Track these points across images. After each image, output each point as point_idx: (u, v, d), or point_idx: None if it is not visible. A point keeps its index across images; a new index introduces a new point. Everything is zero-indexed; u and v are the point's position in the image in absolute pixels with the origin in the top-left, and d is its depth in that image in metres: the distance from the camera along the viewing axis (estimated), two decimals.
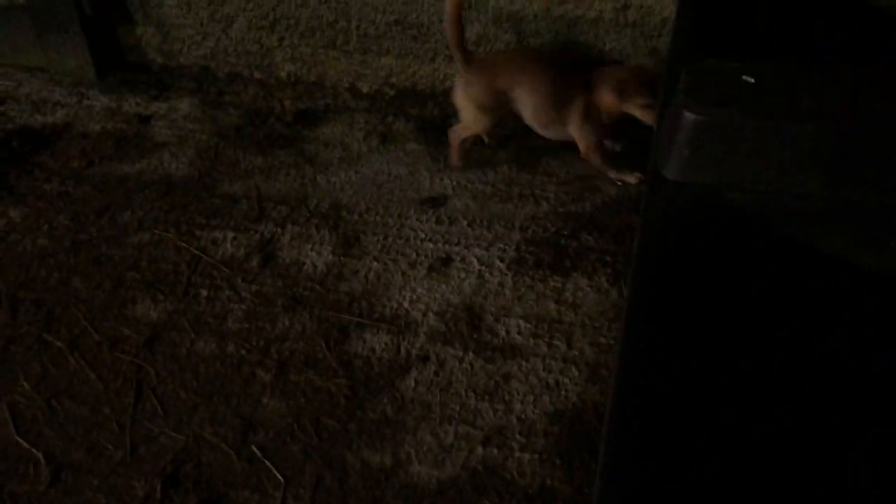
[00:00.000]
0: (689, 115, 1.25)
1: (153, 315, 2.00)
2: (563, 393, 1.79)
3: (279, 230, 2.23)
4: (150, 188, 2.39)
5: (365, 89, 2.64)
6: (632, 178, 2.28)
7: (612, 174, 2.29)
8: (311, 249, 2.17)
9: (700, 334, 1.20)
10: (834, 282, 1.26)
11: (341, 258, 2.14)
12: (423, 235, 2.18)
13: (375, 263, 2.12)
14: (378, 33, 2.48)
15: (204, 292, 2.06)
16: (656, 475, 1.08)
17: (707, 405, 1.14)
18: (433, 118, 2.58)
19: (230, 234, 2.22)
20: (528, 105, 2.21)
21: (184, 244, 2.19)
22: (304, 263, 2.13)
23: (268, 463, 1.68)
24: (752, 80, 1.28)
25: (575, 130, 2.22)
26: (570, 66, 2.21)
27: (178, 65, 2.77)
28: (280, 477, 1.65)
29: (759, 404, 1.14)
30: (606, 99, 2.09)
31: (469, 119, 2.29)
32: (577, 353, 1.86)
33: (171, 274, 2.11)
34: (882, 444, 1.10)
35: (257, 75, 2.71)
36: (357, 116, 2.62)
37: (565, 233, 2.17)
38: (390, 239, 2.18)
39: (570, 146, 2.33)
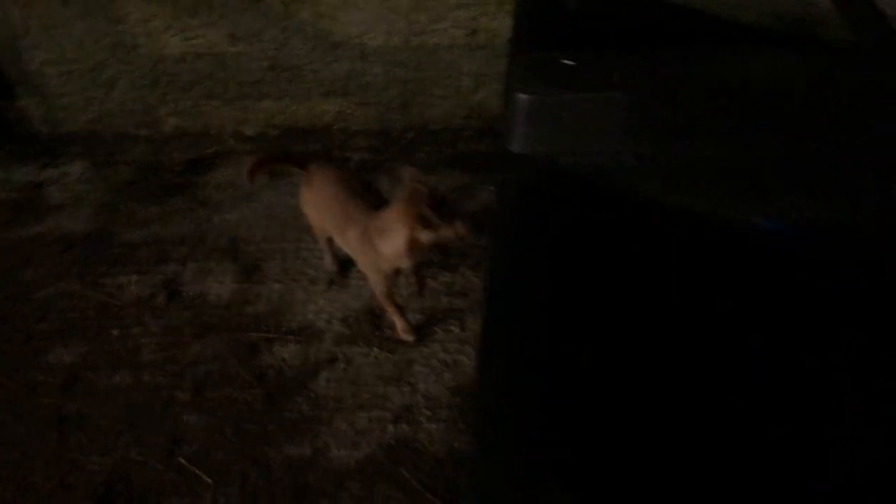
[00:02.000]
0: (521, 97, 1.48)
1: (67, 359, 2.09)
2: (461, 369, 1.97)
3: (181, 268, 2.35)
4: (50, 247, 2.48)
5: (249, 132, 2.81)
6: (407, 336, 2.04)
7: (399, 322, 2.04)
8: (214, 281, 2.30)
9: (554, 280, 1.42)
10: (662, 228, 1.51)
11: (244, 285, 2.28)
12: (320, 255, 2.35)
13: (277, 285, 2.27)
14: (255, 79, 2.67)
15: (115, 332, 2.15)
16: (521, 414, 1.25)
17: (560, 348, 1.35)
18: (317, 152, 2.77)
19: (134, 278, 2.33)
20: (329, 224, 2.00)
21: (89, 293, 2.29)
22: (208, 294, 2.26)
23: (196, 470, 1.79)
24: (572, 63, 1.54)
25: (366, 271, 1.94)
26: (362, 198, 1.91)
27: (64, 132, 2.87)
28: (209, 480, 1.77)
29: (607, 345, 1.36)
30: (408, 243, 1.74)
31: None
32: (470, 333, 2.06)
33: (80, 321, 2.20)
34: (721, 380, 1.34)
35: (144, 132, 2.85)
36: (244, 158, 2.78)
37: None
38: (289, 262, 2.34)
39: (448, 163, 2.57)
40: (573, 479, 1.12)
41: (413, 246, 1.74)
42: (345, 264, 2.27)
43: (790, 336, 1.44)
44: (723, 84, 1.44)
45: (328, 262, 2.27)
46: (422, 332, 2.08)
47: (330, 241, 2.17)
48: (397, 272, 1.89)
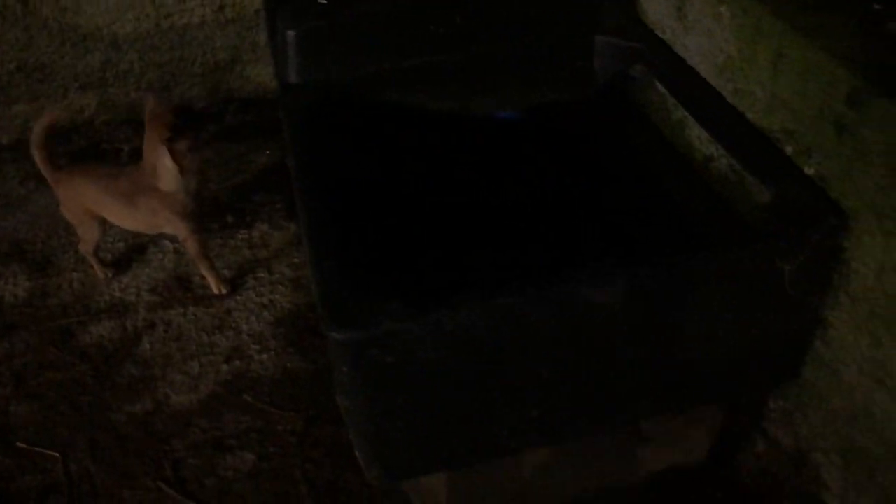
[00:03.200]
0: (290, 33, 1.69)
1: None
2: (278, 306, 2.14)
3: None
4: None
5: (5, 140, 2.74)
6: (223, 289, 2.16)
7: (213, 278, 2.15)
8: (6, 284, 2.26)
9: (352, 186, 1.65)
10: (422, 122, 1.80)
11: (39, 281, 2.27)
12: (112, 238, 2.39)
13: (75, 274, 2.28)
14: (2, 83, 2.62)
15: None
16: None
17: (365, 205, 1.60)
18: (83, 148, 2.77)
19: None
20: (111, 211, 2.10)
21: None
22: (3, 297, 2.22)
23: (38, 449, 1.81)
24: (325, 2, 1.77)
25: (170, 224, 2.04)
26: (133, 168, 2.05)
27: None
28: (55, 454, 1.80)
29: (397, 198, 1.63)
30: (167, 159, 1.90)
31: (80, 232, 2.19)
32: (278, 275, 2.23)
33: None
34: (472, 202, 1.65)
35: None
36: (6, 168, 2.71)
37: (237, 198, 2.52)
38: (82, 251, 2.36)
39: (220, 136, 2.69)
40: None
41: (180, 160, 1.93)
42: (141, 247, 2.34)
43: (512, 177, 1.82)
44: (441, 3, 1.74)
45: (100, 273, 2.26)
46: (234, 284, 2.21)
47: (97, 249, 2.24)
48: (193, 212, 2.04)
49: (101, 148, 2.77)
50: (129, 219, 2.09)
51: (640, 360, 1.30)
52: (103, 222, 2.17)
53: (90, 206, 2.11)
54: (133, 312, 2.15)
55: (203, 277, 2.21)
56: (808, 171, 1.31)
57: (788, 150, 1.36)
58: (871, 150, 1.16)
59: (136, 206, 2.02)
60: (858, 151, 1.19)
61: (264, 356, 2.00)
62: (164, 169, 1.94)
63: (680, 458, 1.60)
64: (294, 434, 1.81)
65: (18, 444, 1.82)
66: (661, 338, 1.28)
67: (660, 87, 1.70)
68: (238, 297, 2.18)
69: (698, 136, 1.63)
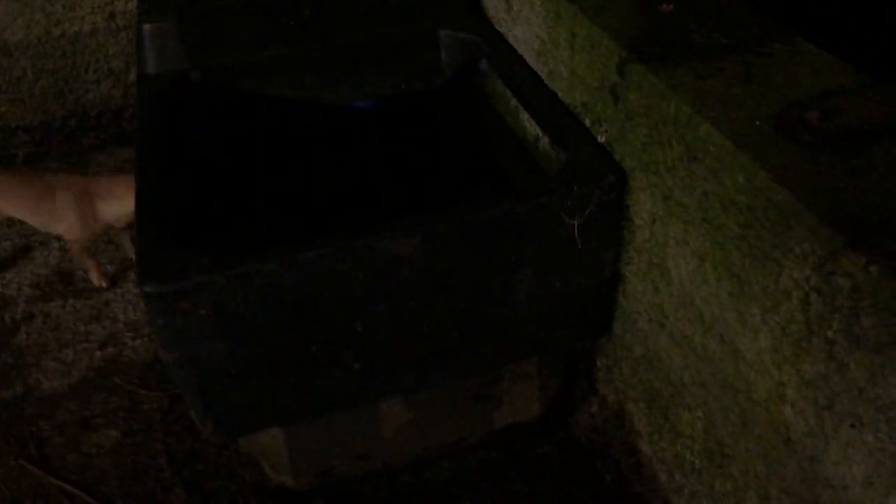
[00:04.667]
0: (146, 27, 1.79)
1: None
2: None
3: None
4: None
5: None
6: (103, 283, 2.23)
7: (94, 272, 2.23)
8: None
9: (192, 164, 1.74)
10: (286, 114, 1.90)
11: None
12: None
13: None
14: None
15: None
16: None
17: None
18: None
19: None
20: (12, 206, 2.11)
21: None
22: None
23: None
24: None
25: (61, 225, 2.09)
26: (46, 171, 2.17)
27: None
28: None
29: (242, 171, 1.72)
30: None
31: None
32: None
33: None
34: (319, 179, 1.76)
35: None
36: None
37: None
38: None
39: (115, 141, 2.77)
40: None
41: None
42: (27, 247, 2.40)
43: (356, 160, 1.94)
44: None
45: None
46: (115, 278, 2.28)
47: None
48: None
49: None
50: (36, 216, 2.10)
51: (450, 314, 1.40)
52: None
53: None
54: (13, 305, 2.20)
55: (86, 272, 2.27)
56: (601, 139, 1.44)
57: (587, 121, 1.49)
58: (636, 113, 1.30)
59: (55, 206, 2.06)
60: (628, 115, 1.32)
61: (137, 342, 2.07)
62: (127, 206, 2.04)
63: (515, 416, 1.70)
64: (159, 412, 1.88)
65: None
66: (465, 291, 1.38)
67: (498, 77, 1.84)
68: (118, 290, 2.24)
69: (528, 120, 1.77)
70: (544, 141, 1.69)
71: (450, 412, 1.65)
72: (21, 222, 2.47)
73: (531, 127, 1.76)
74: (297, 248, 1.26)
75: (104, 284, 2.24)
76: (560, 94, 1.58)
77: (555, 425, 1.78)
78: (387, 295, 1.34)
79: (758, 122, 1.11)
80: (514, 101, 1.82)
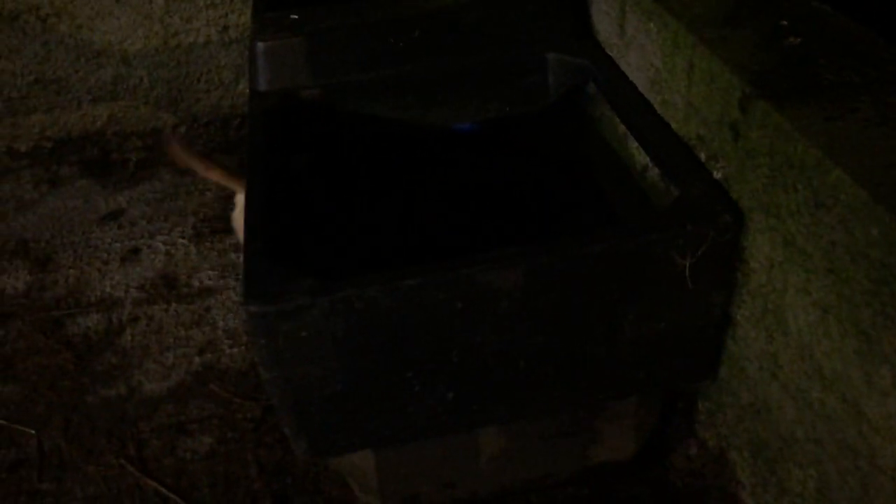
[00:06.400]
0: (260, 44, 1.83)
1: None
2: None
3: None
4: None
5: (23, 148, 2.93)
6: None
7: None
8: (8, 278, 2.42)
9: (300, 181, 1.77)
10: (389, 132, 1.91)
11: (38, 276, 2.42)
12: (110, 240, 2.54)
13: (72, 271, 2.43)
14: (21, 95, 2.81)
15: None
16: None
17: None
18: (95, 157, 2.94)
19: None
20: None
21: None
22: (4, 289, 2.38)
23: (16, 426, 1.94)
24: (296, 17, 1.90)
25: None
26: None
27: None
28: (31, 430, 1.92)
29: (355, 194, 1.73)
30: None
31: None
32: None
33: None
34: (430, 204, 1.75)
35: None
36: (22, 173, 2.90)
37: (229, 207, 2.66)
38: (80, 250, 2.51)
39: (222, 149, 2.86)
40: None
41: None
42: (135, 249, 2.49)
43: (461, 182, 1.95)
44: (403, 19, 1.86)
45: None
46: (215, 285, 2.34)
47: None
48: None
49: (111, 158, 2.94)
50: None
51: (548, 348, 1.37)
52: None
53: None
54: (120, 307, 2.28)
55: (189, 277, 2.34)
56: (717, 175, 1.38)
57: (702, 155, 1.43)
58: (757, 152, 1.23)
59: None
60: (748, 153, 1.26)
61: (234, 350, 2.11)
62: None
63: (608, 455, 1.65)
64: (252, 421, 1.91)
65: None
66: (566, 326, 1.35)
67: (606, 102, 1.79)
68: (219, 296, 2.30)
69: (637, 148, 1.72)
70: (654, 172, 1.63)
71: (541, 446, 1.61)
72: (133, 223, 2.58)
73: (640, 156, 1.71)
74: (398, 275, 1.25)
75: None
76: (674, 126, 1.53)
77: (649, 465, 1.72)
78: (485, 326, 1.32)
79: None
80: (622, 129, 1.77)
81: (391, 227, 1.86)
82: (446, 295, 1.26)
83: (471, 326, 1.31)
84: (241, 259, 1.35)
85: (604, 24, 1.83)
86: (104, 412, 1.96)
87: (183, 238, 2.54)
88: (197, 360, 2.09)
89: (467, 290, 1.27)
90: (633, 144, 1.73)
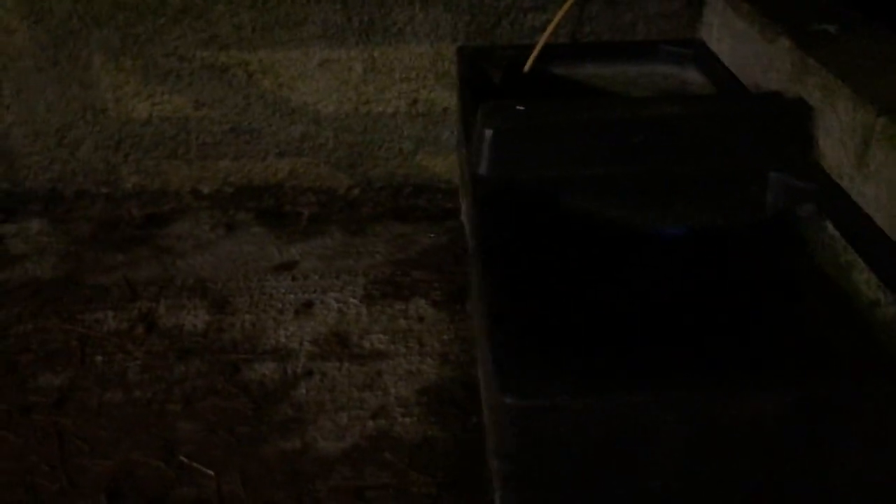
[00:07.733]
0: (487, 131, 1.89)
1: (56, 382, 2.24)
2: (424, 376, 2.28)
3: (154, 304, 2.56)
4: (19, 290, 2.63)
5: (206, 190, 3.08)
6: None
7: None
8: (188, 314, 2.52)
9: (525, 270, 1.80)
10: (593, 225, 1.94)
11: (216, 316, 2.52)
12: (284, 290, 2.62)
13: (248, 316, 2.52)
14: (215, 141, 2.97)
15: (99, 358, 2.33)
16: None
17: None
18: (270, 207, 3.07)
19: (110, 313, 2.52)
20: None
21: (68, 326, 2.46)
22: (184, 325, 2.48)
23: (196, 465, 1.99)
24: (523, 108, 1.97)
25: None
26: None
27: (23, 190, 3.04)
28: (210, 472, 1.97)
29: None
30: None
31: None
32: (429, 348, 2.38)
33: (63, 350, 2.36)
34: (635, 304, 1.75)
35: (104, 190, 3.06)
36: (201, 213, 3.05)
37: (399, 273, 2.72)
38: (256, 297, 2.60)
39: (391, 215, 2.94)
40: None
41: None
42: (308, 302, 2.57)
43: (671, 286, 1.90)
44: (628, 120, 1.90)
45: None
46: (386, 349, 2.38)
47: None
48: None
49: (284, 209, 3.06)
50: None
51: (761, 488, 1.33)
52: None
53: None
54: (294, 359, 2.34)
55: (360, 337, 2.39)
56: None
57: None
58: None
59: None
60: None
61: (406, 420, 2.13)
62: None
63: None
64: (428, 497, 1.90)
65: (181, 458, 2.01)
66: (775, 469, 1.31)
67: (831, 228, 1.77)
68: (389, 362, 2.33)
69: (867, 281, 1.68)
70: (889, 310, 1.59)
71: None
72: (306, 276, 2.66)
73: (869, 289, 1.67)
74: (671, 384, 1.25)
75: None
76: None
77: None
78: (744, 450, 1.30)
79: None
80: (848, 257, 1.74)
81: (603, 317, 1.86)
82: (725, 411, 1.25)
83: (735, 449, 1.29)
84: (483, 345, 1.37)
85: (835, 152, 1.82)
86: (280, 464, 2.00)
87: (354, 298, 2.60)
88: (370, 424, 2.12)
89: (737, 410, 1.25)
90: (862, 277, 1.69)
